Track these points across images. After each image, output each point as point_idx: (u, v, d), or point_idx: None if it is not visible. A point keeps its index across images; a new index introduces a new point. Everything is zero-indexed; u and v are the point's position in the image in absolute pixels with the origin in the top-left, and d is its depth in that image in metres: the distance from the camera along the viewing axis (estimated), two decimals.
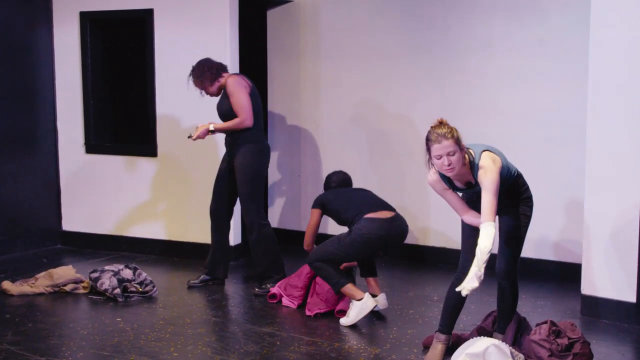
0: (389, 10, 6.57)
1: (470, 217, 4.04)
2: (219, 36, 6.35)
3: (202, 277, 5.76)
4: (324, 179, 5.62)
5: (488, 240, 3.75)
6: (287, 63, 7.12)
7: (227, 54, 6.33)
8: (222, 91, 5.50)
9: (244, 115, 5.38)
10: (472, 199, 4.08)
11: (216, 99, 5.62)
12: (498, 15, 6.09)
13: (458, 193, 4.09)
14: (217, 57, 6.27)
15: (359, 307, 4.82)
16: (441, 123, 3.91)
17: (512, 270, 4.14)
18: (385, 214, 5.00)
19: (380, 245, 5.02)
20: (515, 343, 4.18)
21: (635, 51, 4.73)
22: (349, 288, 4.91)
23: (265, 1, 7.06)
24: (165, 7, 6.54)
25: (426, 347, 4.35)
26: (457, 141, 3.83)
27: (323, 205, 5.25)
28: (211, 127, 5.43)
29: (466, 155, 3.89)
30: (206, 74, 5.46)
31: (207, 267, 5.77)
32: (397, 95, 6.58)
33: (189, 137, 5.52)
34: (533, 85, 5.99)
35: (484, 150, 3.93)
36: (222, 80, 5.49)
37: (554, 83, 5.89)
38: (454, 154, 3.81)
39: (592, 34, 4.90)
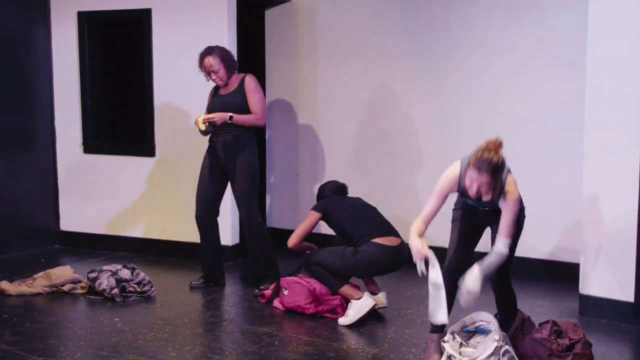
0: (387, 10, 6.56)
1: (416, 232, 3.98)
2: (217, 36, 6.34)
3: (202, 279, 5.75)
4: (320, 186, 5.53)
5: (493, 261, 3.85)
6: (285, 63, 7.12)
7: None
8: (237, 87, 5.46)
9: (263, 114, 5.45)
10: (475, 213, 4.07)
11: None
12: (497, 15, 6.09)
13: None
14: None
15: (358, 306, 4.81)
16: (494, 144, 3.73)
17: (503, 280, 4.11)
18: (393, 241, 4.98)
19: (382, 270, 5.04)
20: (513, 339, 4.18)
21: (634, 52, 4.73)
22: (346, 289, 4.91)
23: (264, 1, 7.05)
24: (163, 7, 6.54)
25: None
26: (501, 175, 3.72)
27: (326, 212, 5.17)
28: (230, 116, 5.34)
29: None
30: (234, 62, 5.49)
31: (204, 273, 5.75)
32: (396, 94, 6.57)
33: (204, 124, 5.35)
34: (532, 85, 5.99)
35: (509, 173, 3.87)
36: (234, 76, 5.50)
37: (553, 83, 5.89)
38: (486, 186, 3.72)
39: (591, 34, 4.90)
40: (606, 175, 4.87)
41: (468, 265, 4.13)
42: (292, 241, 5.18)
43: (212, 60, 5.39)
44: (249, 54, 6.89)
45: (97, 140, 7.03)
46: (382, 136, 6.68)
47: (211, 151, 5.59)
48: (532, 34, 5.94)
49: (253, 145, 5.53)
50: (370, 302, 4.83)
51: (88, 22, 6.88)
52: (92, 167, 7.00)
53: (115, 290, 5.35)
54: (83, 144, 7.02)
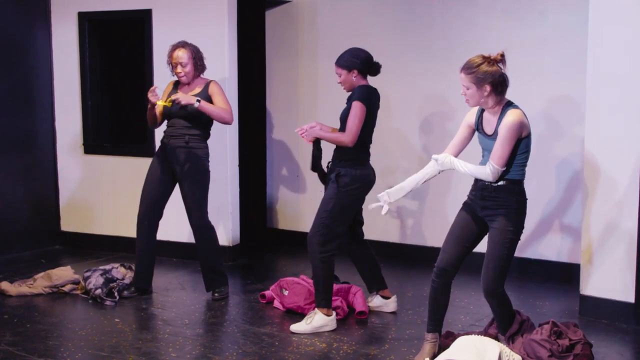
0: (386, 10, 6.57)
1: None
2: (217, 36, 6.35)
3: (132, 289, 5.52)
4: (363, 52, 5.02)
5: (473, 168, 3.96)
6: (285, 63, 7.12)
7: (226, 53, 6.34)
8: (201, 91, 5.36)
9: (231, 111, 5.36)
10: (473, 199, 4.12)
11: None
12: (497, 15, 6.09)
13: (483, 136, 4.12)
14: (215, 57, 6.31)
15: (324, 322, 4.70)
16: (490, 55, 3.97)
17: (496, 288, 4.04)
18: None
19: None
20: (510, 341, 4.18)
21: (634, 50, 4.73)
22: (325, 309, 4.77)
23: (264, 1, 7.06)
24: (163, 8, 6.54)
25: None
26: (477, 80, 3.89)
27: (368, 107, 4.74)
28: (197, 101, 5.18)
29: (497, 102, 3.97)
30: (203, 63, 5.42)
31: (136, 278, 5.54)
32: (396, 94, 6.57)
33: (168, 101, 5.21)
34: (532, 84, 5.99)
35: (517, 109, 3.99)
36: (199, 79, 5.42)
37: (553, 81, 5.89)
38: (468, 89, 3.94)
39: (591, 32, 4.90)
40: (607, 175, 4.87)
41: (457, 264, 4.14)
42: (350, 138, 4.71)
43: (182, 53, 5.30)
44: (249, 54, 6.90)
45: (97, 140, 7.03)
46: (382, 136, 6.67)
47: (161, 153, 5.47)
48: (532, 34, 5.94)
49: (205, 150, 5.43)
50: (333, 325, 4.74)
51: (88, 22, 6.88)
52: (93, 168, 7.01)
53: (99, 291, 5.32)
54: (83, 144, 7.02)
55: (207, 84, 5.41)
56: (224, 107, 5.32)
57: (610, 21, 4.80)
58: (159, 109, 5.45)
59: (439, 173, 4.15)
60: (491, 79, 3.91)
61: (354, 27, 6.72)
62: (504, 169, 3.93)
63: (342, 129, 4.84)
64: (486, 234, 4.15)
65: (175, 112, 5.34)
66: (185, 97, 5.19)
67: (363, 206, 5.03)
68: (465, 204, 4.19)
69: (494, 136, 3.99)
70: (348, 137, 4.72)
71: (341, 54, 4.97)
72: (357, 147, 4.78)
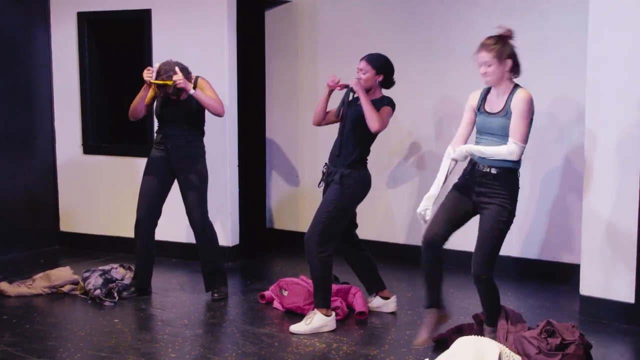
0: (386, 10, 6.57)
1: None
2: (217, 36, 6.34)
3: (131, 289, 5.52)
4: (385, 56, 5.09)
5: (493, 150, 4.01)
6: (285, 63, 7.12)
7: (225, 54, 6.34)
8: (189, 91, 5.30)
9: (222, 104, 5.34)
10: (467, 179, 4.19)
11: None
12: (497, 15, 6.08)
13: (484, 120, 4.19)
14: (215, 57, 6.32)
15: (323, 322, 4.71)
16: (496, 35, 4.06)
17: (482, 273, 4.10)
18: None
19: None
20: (505, 339, 4.19)
21: (634, 50, 4.72)
22: (324, 309, 4.79)
23: (264, 1, 7.05)
24: (163, 8, 6.54)
25: (436, 342, 4.39)
26: (499, 55, 4.01)
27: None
28: (193, 89, 5.17)
29: (509, 80, 4.11)
30: (189, 73, 5.35)
31: (136, 279, 5.54)
32: (395, 94, 6.55)
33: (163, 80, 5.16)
34: (531, 84, 5.95)
35: (519, 86, 4.11)
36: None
37: (552, 82, 5.89)
38: (490, 66, 4.04)
39: (590, 34, 4.90)
40: (607, 176, 4.87)
41: (445, 236, 4.18)
42: (382, 125, 4.84)
43: (177, 75, 5.16)
44: (249, 54, 6.88)
45: (96, 141, 7.02)
46: (382, 135, 6.66)
47: (159, 153, 5.43)
48: (533, 34, 5.93)
49: (203, 149, 5.44)
50: (332, 325, 4.75)
51: (88, 22, 6.88)
52: (92, 168, 7.00)
53: (98, 292, 5.32)
54: (83, 144, 7.01)
55: (195, 80, 5.37)
56: (216, 98, 5.31)
57: (610, 21, 4.80)
58: (151, 94, 5.38)
59: (456, 162, 4.20)
60: (510, 52, 4.05)
61: (354, 27, 6.73)
62: (525, 145, 4.00)
63: (349, 128, 4.88)
64: (475, 216, 4.22)
65: (172, 113, 5.33)
66: (185, 81, 5.14)
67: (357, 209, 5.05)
68: (456, 185, 4.27)
69: (500, 114, 4.07)
70: (381, 123, 4.84)
71: (373, 54, 5.02)
72: (363, 150, 4.88)
